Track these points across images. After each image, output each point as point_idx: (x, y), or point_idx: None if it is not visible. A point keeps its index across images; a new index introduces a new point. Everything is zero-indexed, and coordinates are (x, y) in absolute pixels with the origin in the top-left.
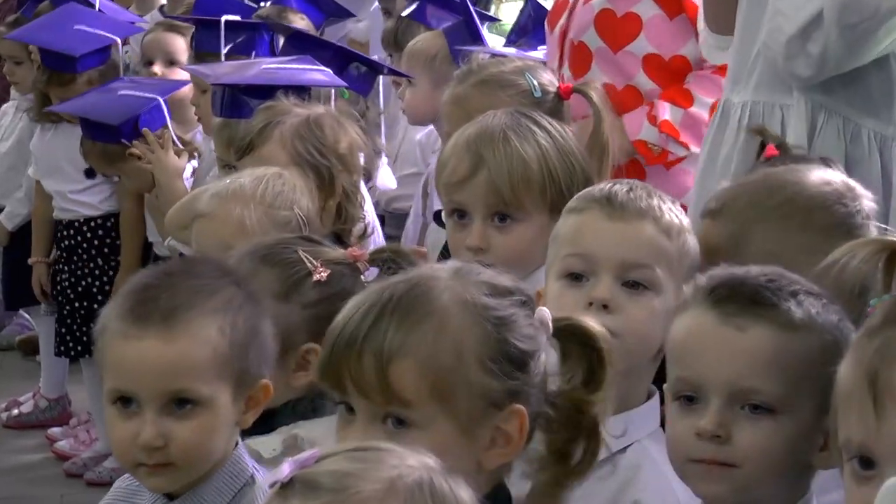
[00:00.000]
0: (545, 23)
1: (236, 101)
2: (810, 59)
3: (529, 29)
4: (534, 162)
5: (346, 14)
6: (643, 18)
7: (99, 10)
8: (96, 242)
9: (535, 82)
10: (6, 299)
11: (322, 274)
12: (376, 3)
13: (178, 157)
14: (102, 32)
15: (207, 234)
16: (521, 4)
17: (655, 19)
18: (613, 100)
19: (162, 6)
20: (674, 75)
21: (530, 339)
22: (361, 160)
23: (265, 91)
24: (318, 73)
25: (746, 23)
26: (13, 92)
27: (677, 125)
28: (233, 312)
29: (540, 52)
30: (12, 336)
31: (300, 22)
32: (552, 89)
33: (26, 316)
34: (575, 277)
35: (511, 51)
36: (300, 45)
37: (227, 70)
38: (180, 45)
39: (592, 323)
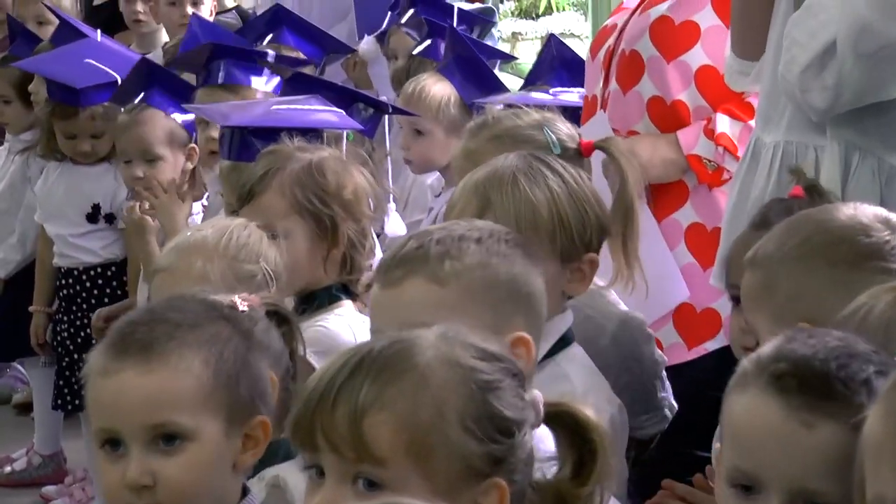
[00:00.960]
0: (587, 52)
1: (245, 143)
2: (826, 90)
3: (548, 69)
4: (543, 207)
5: (346, 50)
6: (702, 28)
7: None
8: (96, 292)
9: (555, 138)
10: (1, 349)
11: (244, 304)
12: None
13: (183, 200)
14: (107, 68)
15: (167, 289)
16: (537, 44)
17: (714, 29)
18: (660, 115)
19: (165, 44)
20: (725, 92)
21: (517, 409)
22: (371, 205)
23: (275, 133)
24: (329, 114)
25: (777, 59)
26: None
27: (735, 139)
28: (220, 345)
29: (574, 94)
30: (5, 389)
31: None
32: (572, 144)
33: (20, 368)
34: None
35: (545, 97)
36: (301, 85)
37: (233, 110)
38: None
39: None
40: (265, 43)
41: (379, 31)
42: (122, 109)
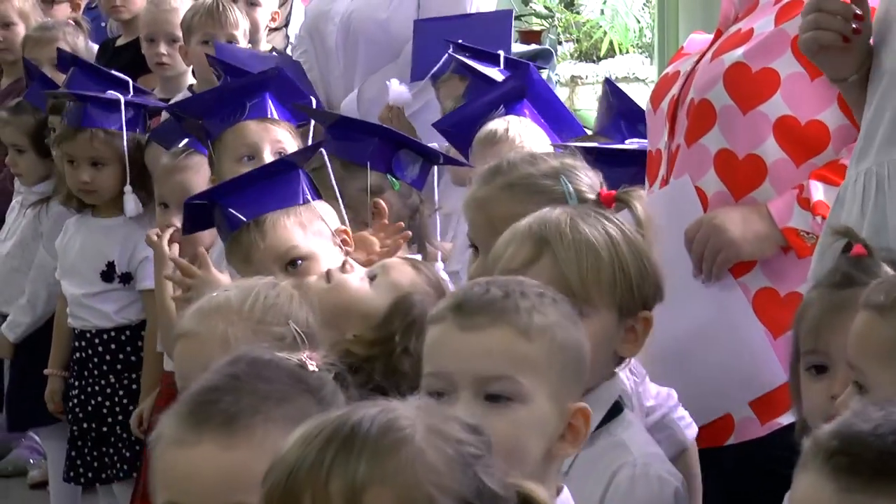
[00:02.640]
0: (648, 102)
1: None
2: None
3: (606, 121)
4: (604, 250)
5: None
6: (781, 75)
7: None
8: (108, 357)
9: (571, 188)
10: (13, 418)
11: (313, 364)
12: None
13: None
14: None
15: (190, 355)
16: (598, 89)
17: (795, 77)
18: (730, 170)
19: (191, 86)
20: (807, 145)
21: (502, 485)
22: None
23: None
24: None
25: (871, 126)
26: (18, 185)
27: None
28: None
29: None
30: (19, 460)
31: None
32: (591, 195)
33: (36, 438)
34: (438, 395)
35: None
36: (344, 131)
37: None
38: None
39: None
40: None
41: (430, 76)
42: (168, 151)
